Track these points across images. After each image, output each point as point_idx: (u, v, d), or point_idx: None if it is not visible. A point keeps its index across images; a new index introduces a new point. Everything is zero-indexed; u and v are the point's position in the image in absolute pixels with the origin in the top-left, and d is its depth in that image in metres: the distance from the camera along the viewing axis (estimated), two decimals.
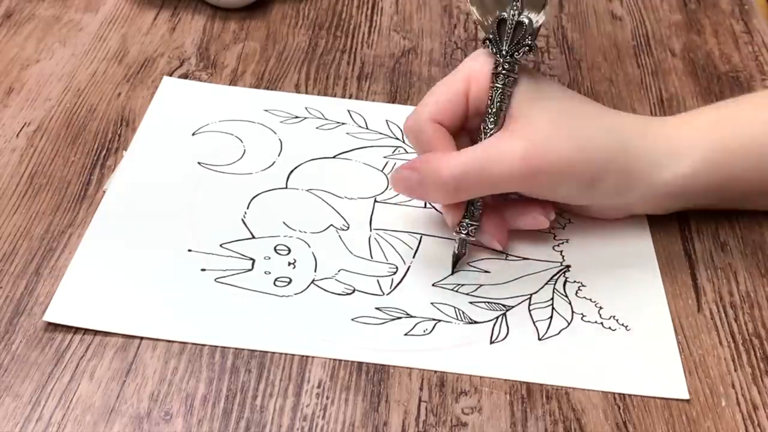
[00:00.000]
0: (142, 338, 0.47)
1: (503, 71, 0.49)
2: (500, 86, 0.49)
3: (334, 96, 0.64)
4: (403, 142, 0.60)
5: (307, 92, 0.64)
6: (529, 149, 0.47)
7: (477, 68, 0.50)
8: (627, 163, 0.50)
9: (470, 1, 0.51)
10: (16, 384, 0.44)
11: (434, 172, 0.48)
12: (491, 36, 0.49)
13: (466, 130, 0.51)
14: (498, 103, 0.49)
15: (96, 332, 0.47)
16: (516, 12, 0.49)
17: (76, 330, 0.47)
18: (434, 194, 0.50)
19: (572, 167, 0.48)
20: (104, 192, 0.55)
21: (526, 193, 0.51)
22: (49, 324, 0.47)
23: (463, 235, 0.50)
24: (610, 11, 0.75)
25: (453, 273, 0.51)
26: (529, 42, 0.49)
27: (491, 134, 0.49)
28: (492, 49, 0.49)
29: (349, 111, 0.62)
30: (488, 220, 0.51)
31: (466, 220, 0.50)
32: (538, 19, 0.50)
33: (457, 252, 0.51)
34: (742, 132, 0.52)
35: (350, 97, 0.64)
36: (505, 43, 0.49)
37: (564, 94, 0.51)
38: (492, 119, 0.49)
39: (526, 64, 0.50)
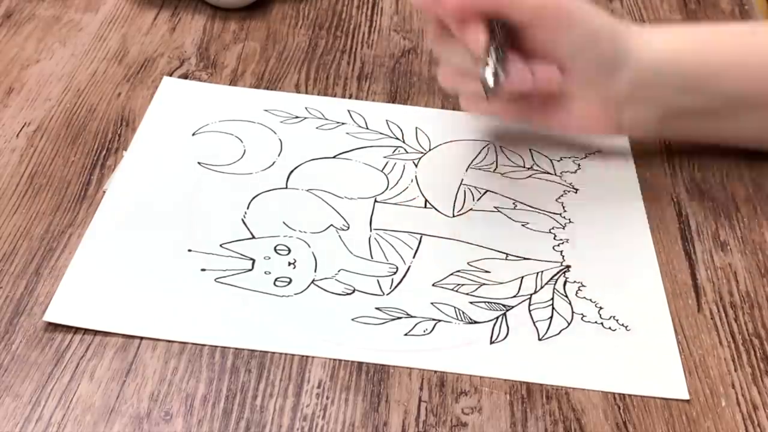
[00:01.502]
0: (142, 338, 0.47)
1: None
2: None
3: (334, 96, 0.64)
4: (403, 142, 0.60)
5: (307, 92, 0.64)
6: None
7: None
8: (621, 30, 0.53)
9: None
10: (16, 384, 0.44)
11: None
12: None
13: None
14: None
15: (96, 332, 0.47)
16: None
17: (76, 330, 0.47)
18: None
19: (580, 13, 0.51)
20: (104, 192, 0.55)
21: (532, 31, 0.51)
22: (49, 324, 0.47)
23: (492, 61, 0.48)
24: (610, 11, 0.75)
25: (488, 98, 0.49)
26: None
27: None
28: None
29: (349, 111, 0.62)
30: (512, 59, 0.50)
31: (492, 48, 0.48)
32: None
33: (488, 79, 0.48)
34: (723, 35, 0.57)
35: (350, 97, 0.64)
36: None
37: None
38: None
39: None
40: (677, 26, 0.58)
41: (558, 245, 0.54)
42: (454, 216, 0.55)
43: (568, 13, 0.51)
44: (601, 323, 0.49)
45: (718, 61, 0.55)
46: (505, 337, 0.48)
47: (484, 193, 0.57)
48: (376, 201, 0.56)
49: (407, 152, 0.59)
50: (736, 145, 0.59)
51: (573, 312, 0.50)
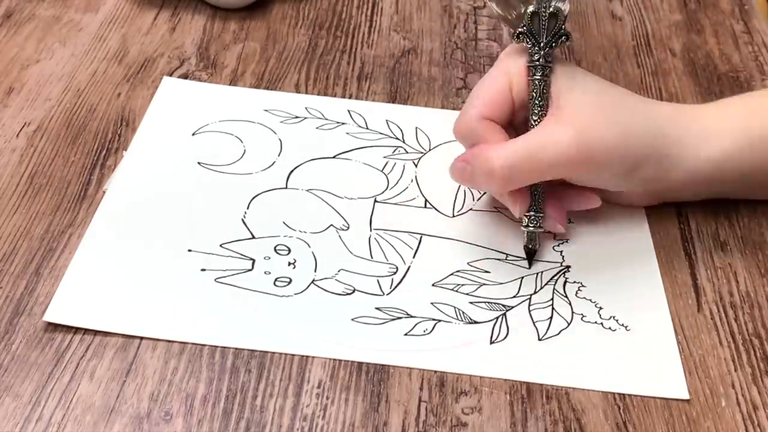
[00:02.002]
0: (142, 338, 0.47)
1: (541, 63, 0.50)
2: (539, 77, 0.50)
3: (334, 96, 0.64)
4: (403, 142, 0.60)
5: (307, 92, 0.64)
6: (578, 135, 0.49)
7: (513, 63, 0.51)
8: (665, 148, 0.51)
9: None
10: (16, 384, 0.44)
11: (485, 163, 0.49)
12: (524, 29, 0.50)
13: (513, 124, 0.52)
14: (542, 94, 0.50)
15: (96, 332, 0.47)
16: (546, 3, 0.50)
17: (76, 330, 0.47)
18: (486, 184, 0.51)
19: (617, 152, 0.50)
20: (104, 192, 0.55)
21: (571, 178, 0.51)
22: (49, 324, 0.47)
23: (532, 228, 0.51)
24: (610, 11, 0.75)
25: (530, 267, 0.52)
26: (565, 31, 0.50)
27: (538, 124, 0.50)
28: (528, 42, 0.50)
29: (349, 111, 0.62)
30: (549, 206, 0.52)
31: (533, 213, 0.51)
32: (564, 7, 0.51)
33: (531, 247, 0.52)
34: None
35: (350, 97, 0.64)
36: (543, 35, 0.50)
37: (597, 82, 0.52)
38: (537, 110, 0.50)
39: (558, 54, 0.51)
40: (728, 113, 0.54)
41: (558, 245, 0.54)
42: (454, 216, 0.55)
43: (604, 159, 0.50)
44: (601, 323, 0.49)
45: (764, 159, 0.53)
46: (505, 337, 0.48)
47: (484, 193, 0.57)
48: (376, 201, 0.56)
49: (407, 152, 0.59)
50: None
51: (573, 312, 0.50)
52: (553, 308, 0.50)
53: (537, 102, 0.50)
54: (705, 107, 0.56)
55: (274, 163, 0.58)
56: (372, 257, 0.52)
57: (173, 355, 0.46)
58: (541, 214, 0.51)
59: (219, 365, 0.46)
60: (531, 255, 0.52)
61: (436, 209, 0.56)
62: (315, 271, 0.51)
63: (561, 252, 0.53)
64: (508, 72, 0.51)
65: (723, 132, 0.52)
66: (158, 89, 0.62)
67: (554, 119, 0.49)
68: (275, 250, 0.52)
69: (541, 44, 0.50)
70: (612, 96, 0.52)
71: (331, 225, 0.54)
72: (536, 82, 0.50)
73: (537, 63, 0.50)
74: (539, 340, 0.48)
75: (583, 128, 0.49)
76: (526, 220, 0.51)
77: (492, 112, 0.51)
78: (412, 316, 0.49)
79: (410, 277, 0.51)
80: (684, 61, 0.70)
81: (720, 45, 0.72)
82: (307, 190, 0.56)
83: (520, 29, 0.50)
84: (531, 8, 0.50)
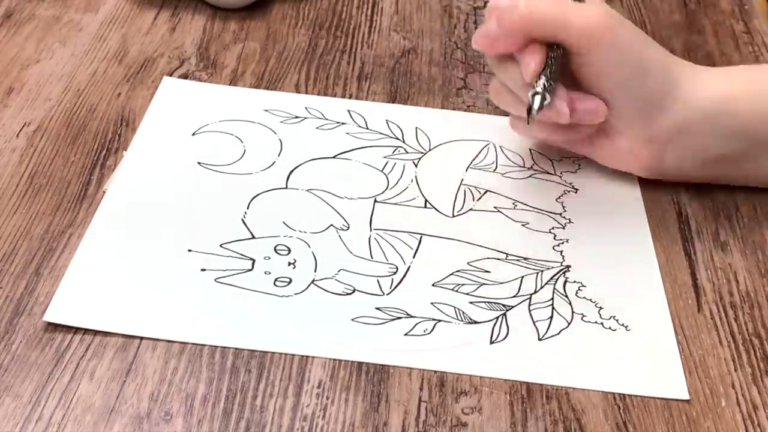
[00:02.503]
0: (142, 338, 0.47)
1: None
2: None
3: (334, 96, 0.64)
4: (403, 142, 0.60)
5: (307, 92, 0.64)
6: (608, 12, 0.51)
7: None
8: (674, 68, 0.53)
9: None
10: (16, 384, 0.44)
11: (512, 4, 0.50)
12: None
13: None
14: None
15: (96, 332, 0.47)
16: None
17: (76, 330, 0.47)
18: (510, 23, 0.50)
19: (635, 44, 0.52)
20: (104, 192, 0.55)
21: (582, 57, 0.51)
22: (49, 324, 0.47)
23: (539, 89, 0.50)
24: None
25: (528, 122, 0.51)
26: None
27: None
28: None
29: (349, 111, 0.62)
30: (558, 90, 0.51)
31: (543, 77, 0.50)
32: None
33: (534, 108, 0.50)
34: None
35: (350, 97, 0.64)
36: None
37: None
38: None
39: None
40: (732, 69, 0.58)
41: (558, 245, 0.54)
42: (454, 216, 0.55)
43: (618, 38, 0.51)
44: (601, 323, 0.49)
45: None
46: (505, 337, 0.48)
47: (484, 193, 0.57)
48: (376, 201, 0.56)
49: (407, 152, 0.59)
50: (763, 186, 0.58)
51: (573, 312, 0.50)
52: (553, 308, 0.50)
53: None
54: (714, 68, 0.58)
55: (274, 163, 0.58)
56: (372, 257, 0.52)
57: (173, 355, 0.46)
58: (553, 83, 0.50)
59: (219, 365, 0.46)
60: (530, 113, 0.50)
61: (436, 209, 0.56)
62: (315, 271, 0.51)
63: (561, 252, 0.53)
64: None
65: (727, 78, 0.54)
66: (158, 89, 0.62)
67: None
68: (275, 250, 0.52)
69: None
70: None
71: (331, 225, 0.54)
72: None
73: None
74: (539, 340, 0.48)
75: (611, 12, 0.51)
76: (540, 80, 0.50)
77: None
78: (412, 316, 0.49)
79: (410, 277, 0.51)
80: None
81: (720, 45, 0.72)
82: (307, 190, 0.56)
83: None
84: None
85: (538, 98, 0.50)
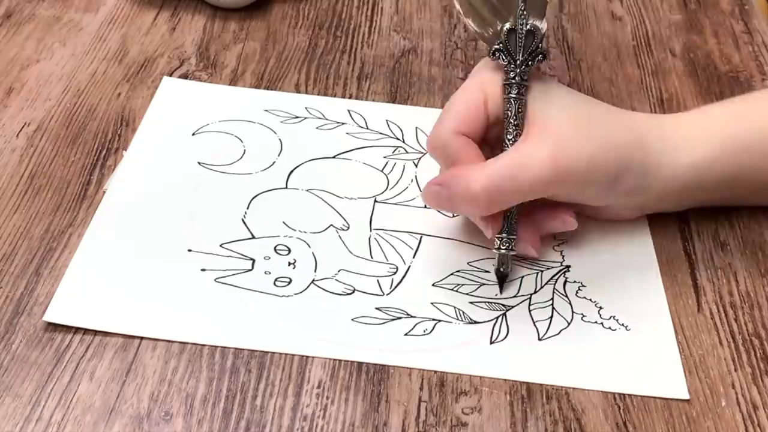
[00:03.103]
0: (142, 338, 0.47)
1: (517, 81, 0.49)
2: (515, 95, 0.49)
3: (334, 96, 0.64)
4: (403, 142, 0.60)
5: (307, 92, 0.64)
6: (555, 151, 0.47)
7: (489, 78, 0.50)
8: (645, 158, 0.50)
9: (464, 14, 0.51)
10: (16, 384, 0.44)
11: (464, 187, 0.47)
12: (500, 47, 0.49)
13: (486, 140, 0.51)
14: (517, 113, 0.49)
15: (96, 332, 0.47)
16: (523, 21, 0.49)
17: (76, 330, 0.47)
18: (466, 208, 0.50)
19: (597, 166, 0.49)
20: (104, 192, 0.55)
21: (552, 196, 0.50)
22: (49, 324, 0.47)
23: (504, 251, 0.49)
24: (610, 11, 0.75)
25: (501, 290, 0.51)
26: (543, 49, 0.49)
27: (513, 143, 0.49)
28: (503, 59, 0.49)
29: (349, 111, 0.62)
30: (522, 229, 0.51)
31: (505, 235, 0.49)
32: (542, 25, 0.50)
33: (502, 270, 0.50)
34: (754, 125, 0.53)
35: (350, 97, 0.64)
36: (519, 53, 0.49)
37: (574, 96, 0.51)
38: (512, 129, 0.49)
39: (534, 71, 0.50)
40: (707, 119, 0.54)
41: (558, 245, 0.54)
42: (454, 216, 0.55)
43: (582, 176, 0.49)
44: (601, 323, 0.49)
45: (747, 157, 0.52)
46: (505, 337, 0.48)
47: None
48: (376, 201, 0.56)
49: (407, 152, 0.59)
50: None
51: (573, 312, 0.50)
52: (553, 308, 0.50)
53: (512, 121, 0.49)
54: (685, 115, 0.55)
55: (274, 163, 0.58)
56: (372, 257, 0.52)
57: (173, 355, 0.46)
58: (514, 236, 0.49)
59: (219, 365, 0.46)
60: (502, 279, 0.51)
61: (440, 212, 0.56)
62: (315, 271, 0.51)
63: (561, 252, 0.53)
64: (483, 87, 0.50)
65: (704, 139, 0.52)
66: (158, 89, 0.62)
67: (531, 138, 0.48)
68: (275, 250, 0.52)
69: (518, 62, 0.49)
70: (589, 110, 0.51)
71: (331, 225, 0.54)
72: (512, 101, 0.49)
73: (513, 81, 0.49)
74: (539, 339, 0.48)
75: (561, 145, 0.48)
76: (498, 242, 0.49)
77: (467, 126, 0.50)
78: (412, 316, 0.49)
79: (410, 277, 0.51)
80: (684, 61, 0.70)
81: (720, 45, 0.72)
82: (307, 190, 0.56)
83: (496, 46, 0.49)
84: (507, 25, 0.49)
85: (501, 265, 0.50)
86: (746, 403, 0.46)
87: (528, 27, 0.49)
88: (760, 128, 0.53)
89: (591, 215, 0.54)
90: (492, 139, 0.51)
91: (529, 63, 0.49)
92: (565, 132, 0.48)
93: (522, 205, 0.50)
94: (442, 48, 0.69)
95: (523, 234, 0.51)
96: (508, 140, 0.49)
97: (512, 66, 0.49)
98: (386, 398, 0.45)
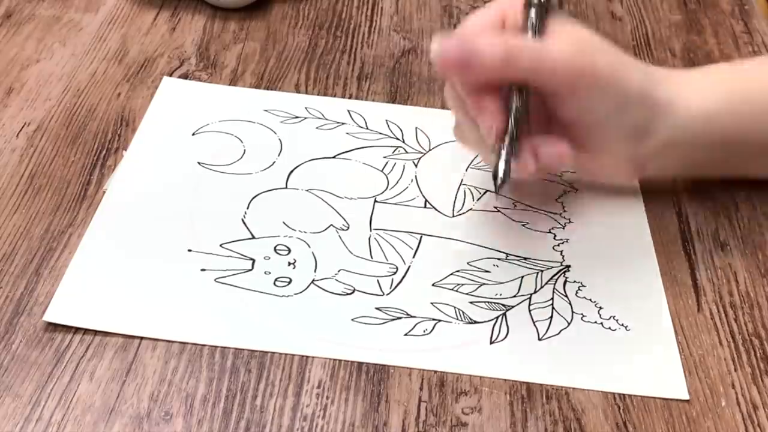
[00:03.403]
0: (142, 338, 0.47)
1: (540, 1, 0.48)
2: (537, 10, 0.47)
3: (334, 96, 0.64)
4: (403, 142, 0.60)
5: (307, 92, 0.64)
6: (580, 46, 0.48)
7: (507, 2, 0.50)
8: (656, 92, 0.50)
9: None
10: (16, 384, 0.44)
11: (489, 40, 0.46)
12: None
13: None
14: (537, 29, 0.48)
15: (96, 332, 0.47)
16: None
17: (76, 330, 0.47)
18: (482, 59, 0.45)
19: (615, 76, 0.48)
20: (104, 192, 0.55)
21: (560, 98, 0.48)
22: (49, 324, 0.47)
23: (503, 158, 0.47)
24: (610, 11, 0.75)
25: (497, 193, 0.48)
26: None
27: None
28: None
29: (349, 111, 0.62)
30: (523, 145, 0.48)
31: (508, 138, 0.47)
32: None
33: (502, 174, 0.47)
34: (761, 84, 0.54)
35: (350, 97, 0.64)
36: None
37: (592, 32, 0.50)
38: (533, 35, 0.47)
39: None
40: (711, 73, 0.55)
41: (558, 245, 0.54)
42: (454, 216, 0.55)
43: (602, 80, 0.48)
44: (601, 323, 0.49)
45: (753, 119, 0.53)
46: (505, 337, 0.48)
47: (484, 193, 0.57)
48: (376, 201, 0.56)
49: (407, 152, 0.59)
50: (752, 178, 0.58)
51: (573, 312, 0.50)
52: (553, 308, 0.50)
53: (533, 26, 0.47)
54: (693, 70, 0.56)
55: (274, 163, 0.58)
56: (372, 257, 0.52)
57: (173, 355, 0.46)
58: (515, 144, 0.47)
59: (219, 365, 0.46)
60: (497, 182, 0.47)
61: (436, 209, 0.56)
62: (315, 271, 0.51)
63: (561, 252, 0.53)
64: (501, 7, 0.50)
65: (713, 90, 0.53)
66: (158, 89, 0.62)
67: (554, 36, 0.48)
68: (275, 250, 0.52)
69: None
70: (605, 41, 0.50)
71: (331, 225, 0.54)
72: (532, 16, 0.47)
73: (535, 2, 0.48)
74: (539, 339, 0.48)
75: (586, 44, 0.48)
76: (504, 145, 0.47)
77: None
78: (412, 316, 0.49)
79: (410, 277, 0.51)
80: (684, 61, 0.70)
81: (720, 45, 0.72)
82: (307, 190, 0.56)
83: None
84: None
85: (501, 169, 0.47)
86: (746, 403, 0.46)
87: None
88: (765, 87, 0.54)
89: (593, 173, 0.54)
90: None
91: None
92: (590, 39, 0.49)
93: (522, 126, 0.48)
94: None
95: (523, 147, 0.48)
96: None
97: None
98: (386, 398, 0.45)
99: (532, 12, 0.48)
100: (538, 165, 0.48)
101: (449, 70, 0.47)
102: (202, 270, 0.50)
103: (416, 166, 0.58)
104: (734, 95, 0.53)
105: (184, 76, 0.64)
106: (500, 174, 0.47)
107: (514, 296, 0.51)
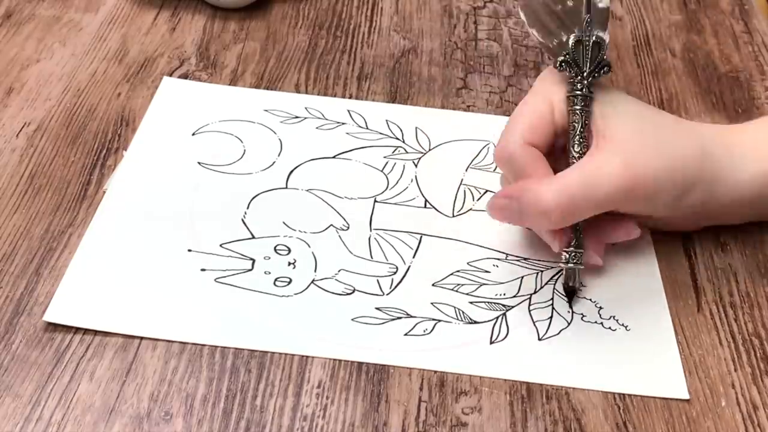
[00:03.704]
0: (142, 338, 0.47)
1: (584, 93, 0.49)
2: (581, 107, 0.49)
3: (334, 96, 0.64)
4: (403, 142, 0.60)
5: (307, 92, 0.64)
6: (627, 162, 0.47)
7: (555, 90, 0.50)
8: (713, 170, 0.50)
9: (529, 24, 0.52)
10: (16, 384, 0.44)
11: (536, 200, 0.47)
12: (567, 58, 0.49)
13: (551, 152, 0.51)
14: (584, 124, 0.49)
15: (96, 332, 0.47)
16: (589, 32, 0.50)
17: (76, 330, 0.47)
18: (536, 222, 0.49)
19: (667, 177, 0.48)
20: (104, 192, 0.55)
21: (623, 208, 0.50)
22: (49, 324, 0.47)
23: (572, 265, 0.49)
24: (610, 11, 0.75)
25: (571, 308, 0.50)
26: (607, 61, 0.50)
27: (580, 155, 0.49)
28: (570, 71, 0.49)
29: (349, 111, 0.62)
30: (587, 239, 0.50)
31: (573, 249, 0.49)
32: (605, 36, 0.50)
33: (571, 284, 0.50)
34: None
35: (350, 97, 0.64)
36: (586, 64, 0.49)
37: (640, 107, 0.51)
38: (579, 140, 0.49)
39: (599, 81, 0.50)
40: (764, 134, 0.53)
41: None
42: (454, 216, 0.55)
43: (653, 190, 0.48)
44: (601, 323, 0.49)
45: None
46: (505, 337, 0.48)
47: (484, 193, 0.57)
48: (376, 201, 0.56)
49: (407, 152, 0.59)
50: None
51: (573, 312, 0.50)
52: (553, 308, 0.50)
53: (579, 132, 0.49)
54: (750, 125, 0.55)
55: (274, 163, 0.58)
56: (372, 257, 0.52)
57: (173, 355, 0.46)
58: (581, 251, 0.49)
59: (219, 365, 0.46)
60: (571, 295, 0.50)
61: (436, 209, 0.56)
62: (315, 271, 0.51)
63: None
64: (549, 98, 0.50)
65: (759, 164, 0.51)
66: (158, 89, 0.62)
67: (599, 150, 0.48)
68: (275, 250, 0.52)
69: (585, 73, 0.49)
70: (654, 120, 0.50)
71: (331, 225, 0.54)
72: (578, 112, 0.49)
73: (579, 93, 0.49)
74: (539, 339, 0.48)
75: (630, 154, 0.47)
76: (566, 255, 0.49)
77: (534, 136, 0.49)
78: (412, 316, 0.49)
79: (410, 277, 0.51)
80: (684, 61, 0.70)
81: (720, 45, 0.72)
82: (307, 190, 0.56)
83: (562, 58, 0.49)
84: (574, 37, 0.50)
85: (574, 276, 0.50)
86: (746, 403, 0.46)
87: (594, 38, 0.50)
88: None
89: (653, 227, 0.54)
90: (557, 150, 0.51)
91: (596, 75, 0.49)
92: (635, 143, 0.48)
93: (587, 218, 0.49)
94: (442, 48, 0.69)
95: (588, 244, 0.50)
96: (575, 152, 0.49)
97: (579, 78, 0.49)
98: (386, 398, 0.45)
99: (576, 119, 0.49)
100: (608, 242, 0.51)
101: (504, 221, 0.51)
102: (202, 270, 0.50)
103: (416, 166, 0.58)
104: None
105: (184, 76, 0.64)
106: (569, 284, 0.50)
107: (514, 296, 0.51)
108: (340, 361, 0.47)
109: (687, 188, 0.49)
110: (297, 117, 0.61)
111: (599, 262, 0.51)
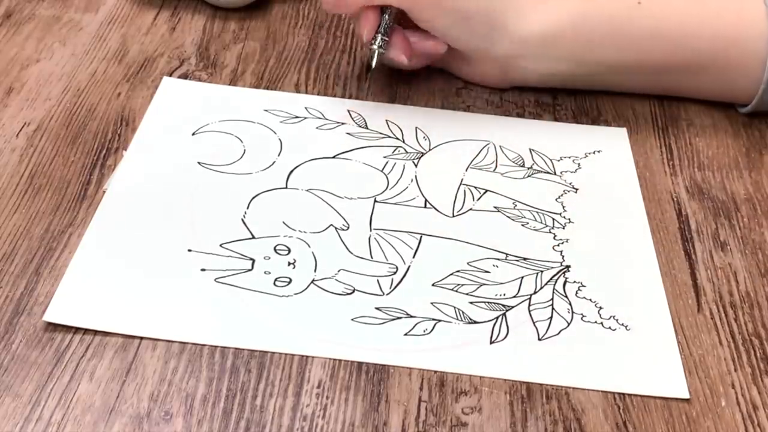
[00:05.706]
0: (142, 338, 0.47)
1: None
2: None
3: (334, 96, 0.64)
4: (403, 142, 0.60)
5: (307, 92, 0.64)
6: None
7: None
8: (496, 11, 0.59)
9: None
10: (16, 384, 0.44)
11: None
12: None
13: None
14: None
15: (96, 332, 0.47)
16: None
17: (76, 330, 0.47)
18: (342, 5, 0.60)
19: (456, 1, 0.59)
20: (104, 192, 0.55)
21: (412, 15, 0.59)
22: (49, 324, 0.47)
23: (375, 47, 0.59)
24: None
25: (367, 80, 0.63)
26: None
27: None
28: None
29: (349, 111, 0.62)
30: (396, 39, 0.60)
31: (379, 35, 0.59)
32: None
33: (372, 64, 0.60)
34: (603, 8, 0.60)
35: (350, 97, 0.64)
36: None
37: None
38: None
39: None
40: (563, 2, 0.61)
41: (558, 245, 0.54)
42: (454, 216, 0.55)
43: (439, 3, 0.58)
44: (601, 323, 0.49)
45: (594, 35, 0.60)
46: (505, 337, 0.48)
47: (484, 193, 0.57)
48: (376, 201, 0.56)
49: (407, 152, 0.59)
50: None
51: (573, 312, 0.50)
52: (553, 308, 0.50)
53: None
54: None
55: (274, 163, 0.58)
56: (372, 257, 0.52)
57: (173, 355, 0.46)
58: (387, 38, 0.59)
59: (219, 365, 0.46)
60: (369, 69, 0.60)
61: (436, 209, 0.56)
62: (315, 271, 0.51)
63: (561, 252, 0.53)
64: None
65: (556, 15, 0.60)
66: (158, 89, 0.62)
67: None
68: (275, 250, 0.52)
69: None
70: None
71: (331, 225, 0.54)
72: None
73: None
74: (539, 339, 0.48)
75: None
76: (373, 41, 0.59)
77: None
78: (412, 316, 0.49)
79: (410, 277, 0.51)
80: None
81: None
82: (307, 190, 0.56)
83: None
84: None
85: (374, 56, 0.60)
86: (746, 403, 0.46)
87: None
88: (607, 11, 0.60)
89: (464, 74, 0.64)
90: None
91: None
92: None
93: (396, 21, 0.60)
94: None
95: (396, 39, 0.60)
96: None
97: None
98: (386, 398, 0.45)
99: None
100: (412, 53, 0.60)
101: (330, 9, 0.61)
102: (202, 270, 0.50)
103: (416, 166, 0.58)
104: (580, 13, 0.60)
105: (184, 76, 0.64)
106: (372, 61, 0.60)
107: (514, 296, 0.51)
108: (340, 361, 0.47)
109: (467, 18, 0.59)
110: (297, 117, 0.61)
111: (404, 60, 0.60)
